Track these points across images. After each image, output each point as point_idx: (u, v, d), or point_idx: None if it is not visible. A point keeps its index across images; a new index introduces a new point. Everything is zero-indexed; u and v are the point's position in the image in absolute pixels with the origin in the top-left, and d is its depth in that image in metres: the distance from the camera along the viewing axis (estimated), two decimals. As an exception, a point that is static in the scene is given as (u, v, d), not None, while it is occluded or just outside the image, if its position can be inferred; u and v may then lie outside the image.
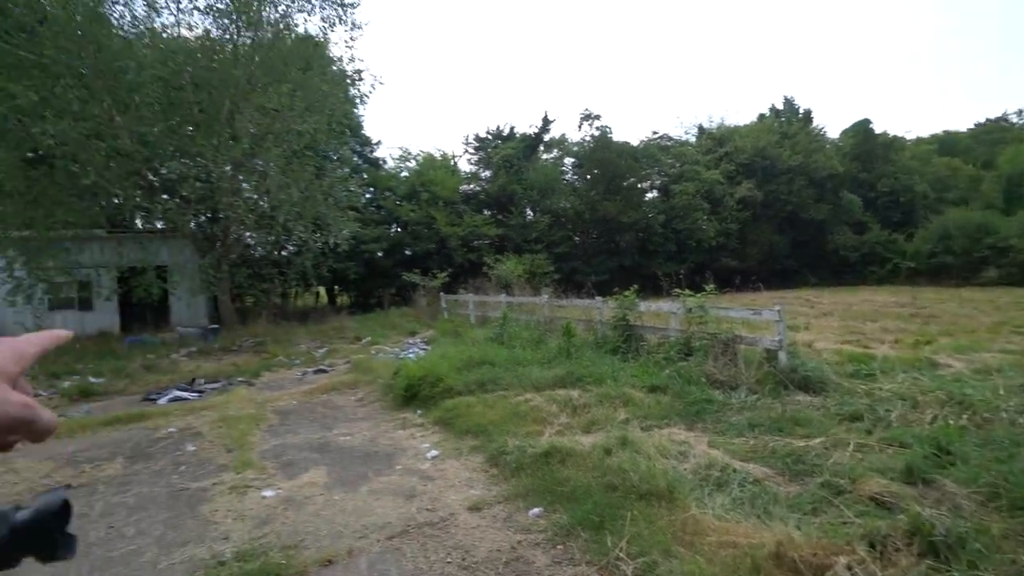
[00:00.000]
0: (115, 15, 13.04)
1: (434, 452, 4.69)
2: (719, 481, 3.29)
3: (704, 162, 31.83)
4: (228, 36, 14.24)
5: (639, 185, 31.20)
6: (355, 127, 25.21)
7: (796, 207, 31.33)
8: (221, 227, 15.44)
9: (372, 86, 18.32)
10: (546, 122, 31.48)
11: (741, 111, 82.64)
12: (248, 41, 14.23)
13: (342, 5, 15.27)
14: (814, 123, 35.83)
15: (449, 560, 2.87)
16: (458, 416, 5.47)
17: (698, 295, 7.17)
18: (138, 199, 14.28)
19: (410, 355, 10.37)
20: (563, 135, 32.80)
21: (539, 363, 7.33)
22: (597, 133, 31.06)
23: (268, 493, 3.95)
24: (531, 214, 29.02)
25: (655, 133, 34.62)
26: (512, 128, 31.52)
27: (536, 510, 3.31)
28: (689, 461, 3.63)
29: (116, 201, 14.38)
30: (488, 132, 31.56)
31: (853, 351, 7.73)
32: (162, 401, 7.79)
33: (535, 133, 31.33)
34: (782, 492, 3.21)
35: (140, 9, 13.49)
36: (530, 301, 12.83)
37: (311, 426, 5.98)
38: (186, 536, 3.36)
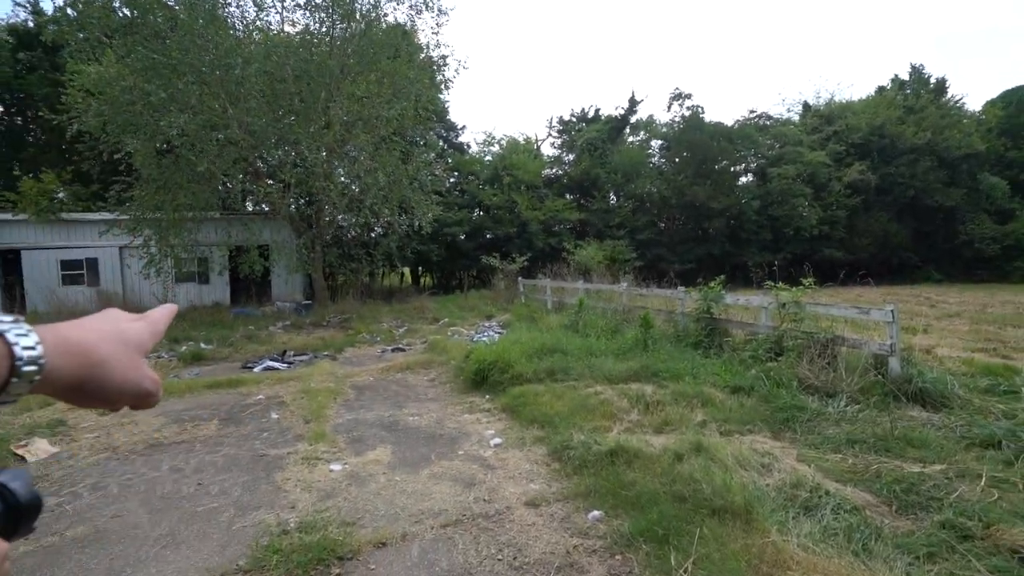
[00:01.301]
0: (229, 16, 14.18)
1: (497, 440, 4.62)
2: (808, 504, 2.89)
3: (808, 142, 29.00)
4: (324, 29, 14.99)
5: (732, 168, 29.13)
6: (440, 112, 25.71)
7: (920, 192, 27.73)
8: (315, 210, 16.45)
9: (456, 71, 18.58)
10: (633, 103, 30.24)
11: (855, 85, 74.48)
12: (342, 33, 14.88)
13: (429, -8, 15.55)
14: (948, 94, 31.29)
15: (500, 557, 2.77)
16: (525, 404, 5.37)
17: (794, 289, 6.48)
18: (245, 184, 15.58)
19: (484, 338, 10.44)
20: (650, 116, 31.39)
21: (613, 354, 7.05)
22: (687, 113, 29.34)
23: (335, 467, 4.09)
24: (614, 199, 28.16)
25: (752, 112, 32.07)
26: (597, 110, 30.63)
27: (596, 513, 3.11)
28: (773, 476, 3.23)
29: (227, 186, 15.77)
30: (572, 115, 30.93)
31: (988, 362, 6.63)
32: (256, 369, 8.44)
33: (621, 115, 30.22)
34: (888, 527, 2.75)
35: (250, 10, 14.59)
36: (608, 289, 12.42)
37: (383, 403, 6.17)
38: (259, 500, 3.55)
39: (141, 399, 0.57)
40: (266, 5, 14.60)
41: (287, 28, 15.44)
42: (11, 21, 22.04)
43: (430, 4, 15.83)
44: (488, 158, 27.99)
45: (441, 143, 26.28)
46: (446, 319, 14.15)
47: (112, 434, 5.19)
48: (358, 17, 14.89)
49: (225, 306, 17.26)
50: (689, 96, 30.22)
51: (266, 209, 16.56)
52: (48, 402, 6.35)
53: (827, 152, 28.12)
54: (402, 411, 5.80)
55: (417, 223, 17.07)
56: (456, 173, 26.58)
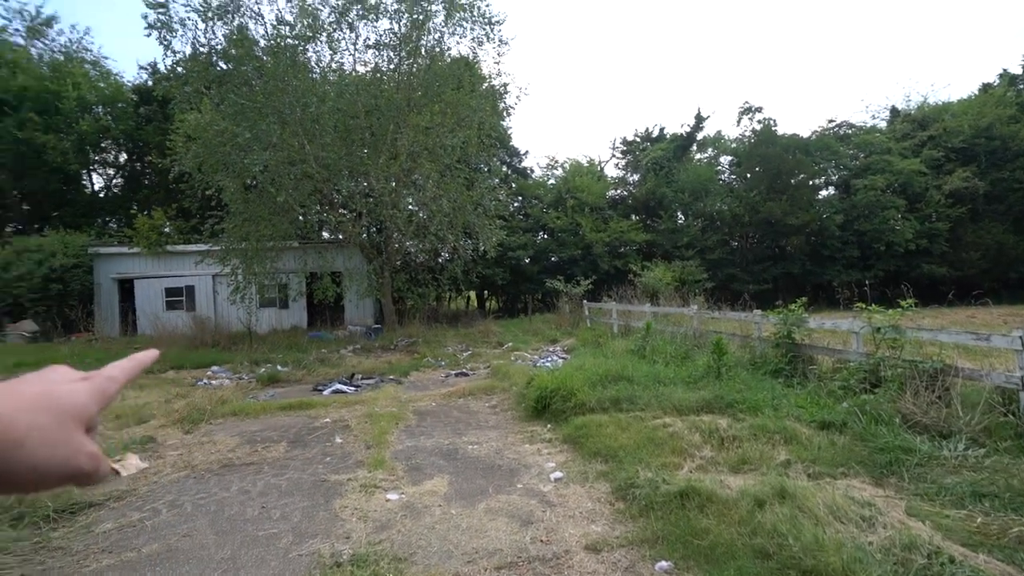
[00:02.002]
0: (307, 60, 15.34)
1: (558, 473, 4.39)
2: (926, 573, 2.42)
3: (898, 150, 26.72)
4: (392, 66, 15.85)
5: (810, 182, 27.35)
6: (503, 139, 26.21)
7: (1041, 199, 24.62)
8: (384, 237, 17.13)
9: (518, 97, 18.90)
10: (699, 120, 29.38)
11: (953, 84, 68.24)
12: (408, 68, 15.65)
13: (489, 23, 16.05)
14: (1069, 90, 27.84)
15: (557, 609, 2.54)
16: (588, 436, 5.10)
17: (891, 311, 5.79)
18: (320, 214, 16.54)
19: (547, 364, 10.23)
20: (718, 132, 30.38)
21: (683, 382, 6.61)
22: (758, 127, 28.08)
23: (392, 496, 4.03)
24: (682, 218, 27.24)
25: (831, 121, 30.14)
26: (662, 129, 30.04)
27: (665, 564, 2.81)
28: (876, 532, 2.77)
29: (304, 216, 16.81)
30: (636, 135, 30.51)
31: None
32: (326, 392, 8.72)
33: (687, 132, 29.44)
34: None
35: (326, 53, 15.73)
36: (677, 312, 11.85)
37: (444, 430, 6.11)
38: (316, 528, 3.54)
39: (75, 479, 0.46)
40: (340, 48, 15.67)
41: (358, 68, 16.48)
42: (136, 83, 25.20)
43: (491, 36, 16.34)
44: (551, 181, 28.11)
45: (504, 168, 26.74)
46: (510, 343, 14.08)
47: (193, 452, 5.48)
48: (423, 53, 15.62)
49: (302, 329, 18.21)
50: (759, 109, 28.95)
51: (339, 237, 17.44)
52: (142, 418, 6.86)
53: (922, 159, 25.74)
54: (462, 439, 5.70)
55: (482, 247, 17.31)
56: (520, 197, 26.85)
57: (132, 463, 5.22)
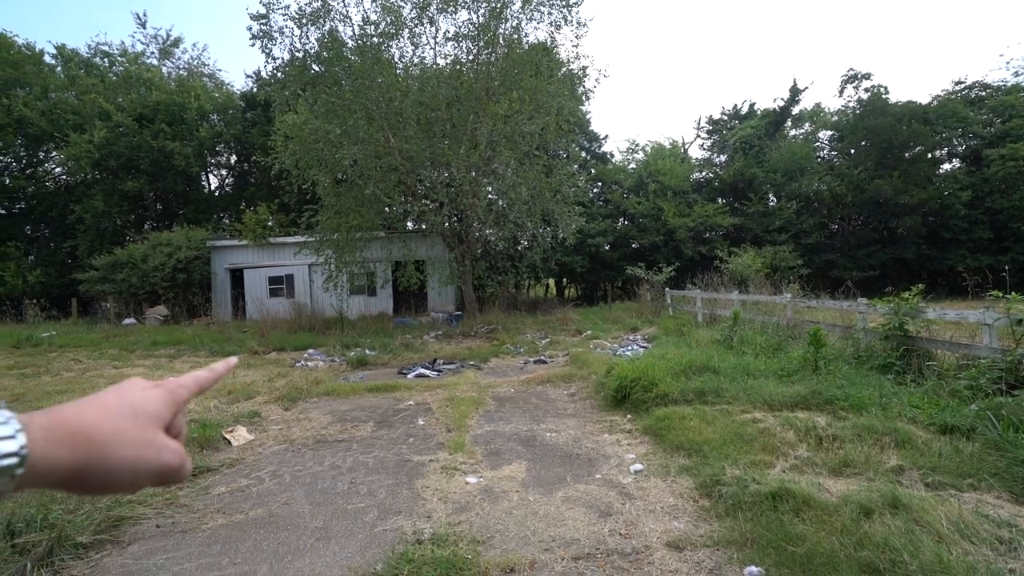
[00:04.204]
0: (391, 57, 15.92)
1: (638, 465, 4.26)
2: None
3: (1050, 113, 22.94)
4: (471, 57, 16.02)
5: (928, 155, 24.26)
6: (582, 124, 25.72)
7: None
8: (465, 226, 17.52)
9: (597, 80, 18.40)
10: (794, 92, 27.03)
11: None
12: (486, 58, 15.75)
13: (567, 5, 15.72)
14: None
15: (636, 606, 2.46)
16: (670, 428, 4.91)
17: (1036, 301, 4.98)
18: (404, 205, 17.24)
19: (627, 352, 9.98)
20: (817, 105, 27.82)
21: (775, 375, 6.16)
22: (866, 96, 25.24)
23: (471, 479, 4.12)
24: (774, 200, 25.31)
25: (959, 84, 26.40)
26: (751, 105, 27.98)
27: (754, 569, 2.62)
28: (1020, 558, 2.39)
29: (390, 207, 17.60)
30: (723, 113, 28.71)
31: None
32: (410, 376, 9.12)
33: (780, 107, 27.21)
34: None
35: (408, 49, 16.24)
36: (768, 300, 11.06)
37: (522, 417, 6.15)
38: (399, 506, 3.71)
39: (164, 476, 0.51)
40: (421, 43, 16.11)
41: (439, 61, 16.85)
42: (243, 90, 27.66)
43: (568, 18, 16.01)
44: (632, 166, 27.25)
45: (583, 154, 26.28)
46: (589, 331, 13.90)
47: (291, 428, 5.95)
48: (501, 42, 15.63)
49: (388, 316, 19.18)
50: (867, 76, 25.96)
51: (422, 227, 18.08)
52: (250, 394, 7.57)
53: (1080, 123, 21.94)
54: (540, 426, 5.71)
55: (561, 235, 17.20)
56: (599, 183, 26.30)
57: (241, 435, 5.76)
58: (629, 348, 10.80)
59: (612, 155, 28.47)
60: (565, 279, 27.68)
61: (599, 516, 3.39)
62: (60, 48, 28.27)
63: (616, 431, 5.36)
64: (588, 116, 27.29)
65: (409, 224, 20.76)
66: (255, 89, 26.06)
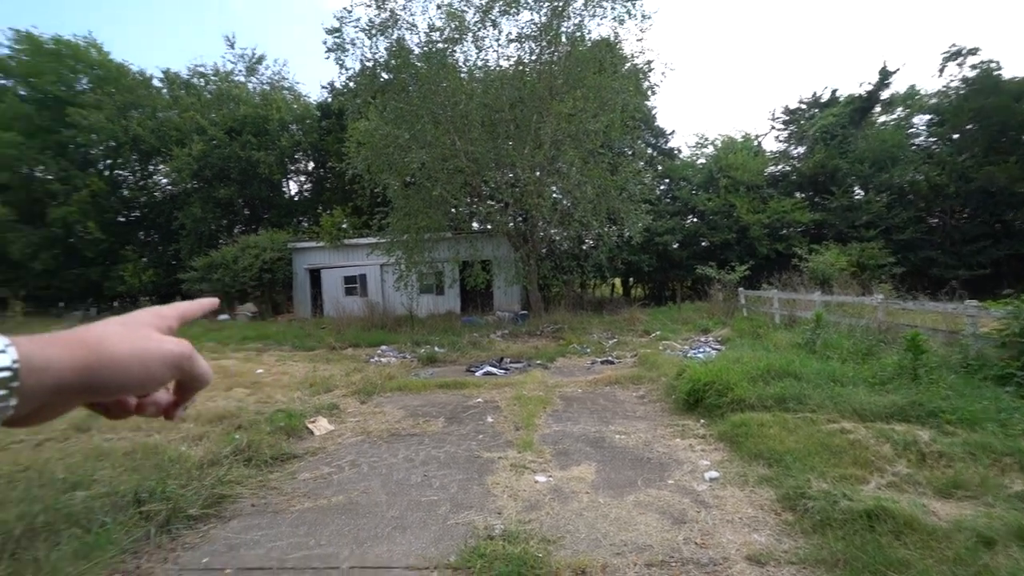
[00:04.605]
0: (455, 62, 16.29)
1: (714, 473, 4.10)
2: None
3: None
4: (534, 57, 16.06)
5: (1055, 137, 21.45)
6: (648, 119, 25.05)
7: None
8: (530, 225, 17.59)
9: (663, 74, 17.87)
10: (884, 75, 24.84)
11: None
12: (549, 57, 15.73)
13: (630, 0, 15.39)
14: None
15: (715, 618, 2.37)
16: (748, 435, 4.68)
17: None
18: (470, 206, 17.58)
19: (699, 355, 9.62)
20: (911, 88, 25.34)
21: (866, 383, 5.70)
22: (973, 73, 22.65)
23: (540, 479, 4.14)
24: (860, 193, 23.38)
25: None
26: (834, 92, 26.02)
27: (847, 590, 2.45)
28: None
29: (456, 209, 18.01)
30: (801, 102, 26.90)
31: None
32: (478, 374, 9.28)
33: (867, 92, 25.12)
34: None
35: (472, 52, 16.53)
36: (856, 301, 10.26)
37: (590, 417, 6.10)
38: (471, 501, 3.79)
39: (178, 363, 0.52)
40: (484, 45, 16.34)
41: (502, 63, 17.04)
42: (318, 101, 29.40)
43: (632, 12, 15.67)
44: (701, 161, 26.18)
45: (649, 151, 25.58)
46: (657, 332, 13.54)
47: (367, 420, 6.25)
48: (564, 40, 15.55)
49: (456, 314, 19.62)
50: (973, 51, 23.26)
51: (488, 227, 18.35)
52: (329, 387, 8.01)
53: None
54: (609, 427, 5.64)
55: (627, 233, 16.87)
56: (666, 180, 25.51)
57: (322, 425, 6.12)
58: (701, 350, 10.40)
59: (679, 151, 27.52)
60: (632, 278, 27.07)
61: (672, 523, 3.30)
62: (166, 72, 31.34)
63: (689, 436, 5.19)
64: (654, 112, 26.52)
65: (475, 225, 21.14)
66: (329, 99, 27.54)
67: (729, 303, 16.32)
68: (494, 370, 9.52)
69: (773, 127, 27.98)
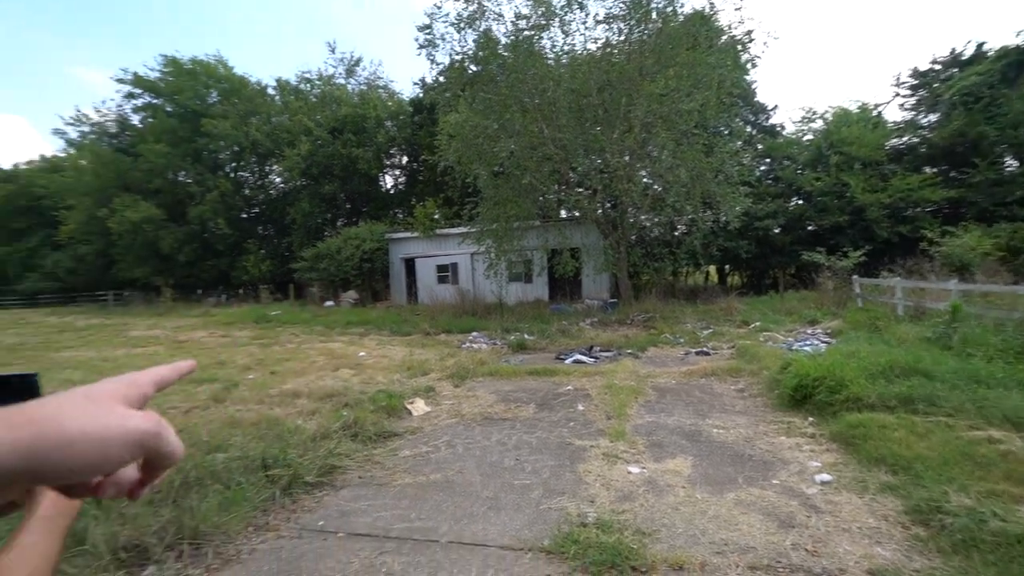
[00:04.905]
0: (542, 49, 16.17)
1: (825, 476, 3.78)
2: None
3: None
4: (623, 38, 15.50)
5: None
6: (747, 95, 23.30)
7: None
8: (619, 212, 17.16)
9: (765, 44, 16.46)
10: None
11: None
12: (639, 36, 15.09)
13: (730, -37, 14.28)
14: None
15: (831, 631, 2.20)
16: (867, 437, 4.26)
17: None
18: (559, 193, 17.49)
19: (805, 348, 8.88)
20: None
21: (1020, 386, 4.94)
22: None
23: (634, 469, 4.06)
24: (1013, 164, 20.05)
25: None
26: (980, 46, 22.41)
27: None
28: None
29: (544, 196, 18.02)
30: (934, 62, 23.50)
31: None
32: (567, 361, 9.28)
33: (1028, 42, 21.27)
34: None
35: (559, 37, 16.30)
36: (1008, 291, 8.88)
37: (685, 409, 5.88)
38: (563, 487, 3.82)
39: (142, 442, 0.44)
40: (571, 30, 16.03)
41: (589, 46, 16.63)
42: (410, 97, 30.69)
43: (733, -23, 14.54)
44: (808, 137, 23.92)
45: (748, 129, 23.80)
46: (757, 322, 12.68)
47: (461, 403, 6.50)
48: (654, 16, 14.83)
49: (544, 302, 19.73)
50: None
51: (576, 215, 18.16)
52: (424, 371, 8.42)
53: None
54: (705, 421, 5.40)
55: (723, 218, 15.92)
56: (767, 160, 23.64)
57: (419, 406, 6.46)
58: (807, 343, 9.59)
59: (782, 127, 25.29)
60: (728, 266, 25.52)
61: (779, 526, 3.10)
62: (279, 81, 34.38)
63: (795, 434, 4.82)
64: (753, 86, 24.58)
65: (563, 213, 21.02)
66: (421, 95, 28.60)
67: (840, 292, 14.85)
68: (584, 358, 9.46)
69: (897, 94, 24.83)
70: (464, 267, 22.77)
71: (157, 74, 32.52)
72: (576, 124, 15.53)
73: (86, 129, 36.35)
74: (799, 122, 25.20)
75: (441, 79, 18.22)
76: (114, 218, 29.58)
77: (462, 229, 20.50)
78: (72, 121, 36.43)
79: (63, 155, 38.59)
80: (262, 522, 3.42)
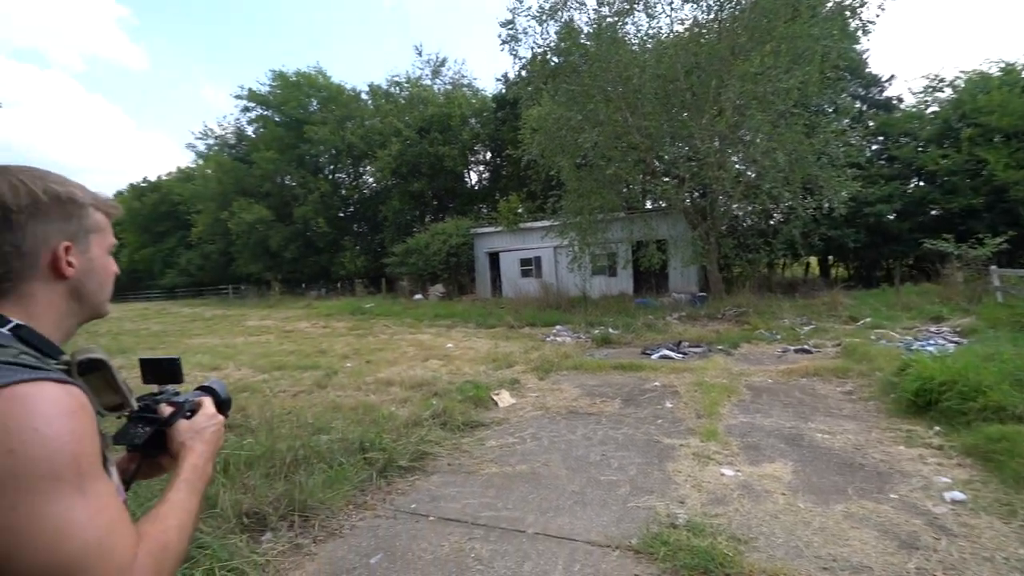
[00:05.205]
0: (626, 35, 15.66)
1: (957, 494, 3.36)
2: None
3: None
4: (711, 16, 14.62)
5: None
6: (856, 67, 21.05)
7: None
8: (709, 201, 16.30)
9: (880, 7, 14.60)
10: None
11: None
12: (730, 13, 14.14)
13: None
14: None
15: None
16: (1011, 452, 3.70)
17: None
18: (644, 184, 16.94)
19: (928, 347, 7.92)
20: None
21: None
22: None
23: (727, 472, 3.86)
24: None
25: None
26: None
27: None
28: None
29: (629, 187, 17.55)
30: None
31: None
32: (654, 357, 9.00)
33: None
34: None
35: (643, 22, 15.70)
36: None
37: (784, 411, 5.48)
38: (651, 485, 3.72)
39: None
40: (656, 12, 15.38)
41: (675, 28, 15.87)
42: (493, 93, 31.18)
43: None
44: (932, 109, 21.09)
45: (857, 104, 21.48)
46: (868, 319, 11.51)
47: (545, 396, 6.53)
48: (747, -12, 13.81)
49: (628, 296, 19.26)
50: None
51: (663, 205, 17.51)
52: (509, 363, 8.56)
53: None
54: (807, 424, 5.01)
55: (827, 204, 14.58)
56: (880, 137, 21.24)
57: (505, 398, 6.58)
58: (931, 342, 8.54)
59: (900, 100, 22.49)
60: (831, 256, 23.32)
61: (899, 546, 2.80)
62: (371, 86, 36.51)
63: (917, 444, 4.33)
64: (865, 56, 22.11)
65: (648, 203, 20.34)
66: (504, 90, 28.92)
67: (973, 285, 13.03)
68: (671, 353, 9.13)
69: (1054, 52, 21.12)
70: (547, 260, 22.80)
71: (267, 88, 35.77)
72: (662, 111, 14.93)
73: (211, 141, 40.91)
74: (921, 93, 22.18)
75: (523, 73, 18.31)
76: (233, 220, 33.01)
77: (545, 223, 20.52)
78: (200, 135, 41.12)
79: (193, 166, 43.77)
80: (360, 501, 3.67)
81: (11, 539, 0.59)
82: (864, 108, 21.98)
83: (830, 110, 17.42)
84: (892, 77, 22.47)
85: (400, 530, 3.25)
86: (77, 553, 0.61)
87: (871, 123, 21.04)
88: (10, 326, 0.74)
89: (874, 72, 22.47)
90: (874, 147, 21.19)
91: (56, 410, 0.65)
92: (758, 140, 14.15)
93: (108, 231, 0.90)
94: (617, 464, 4.19)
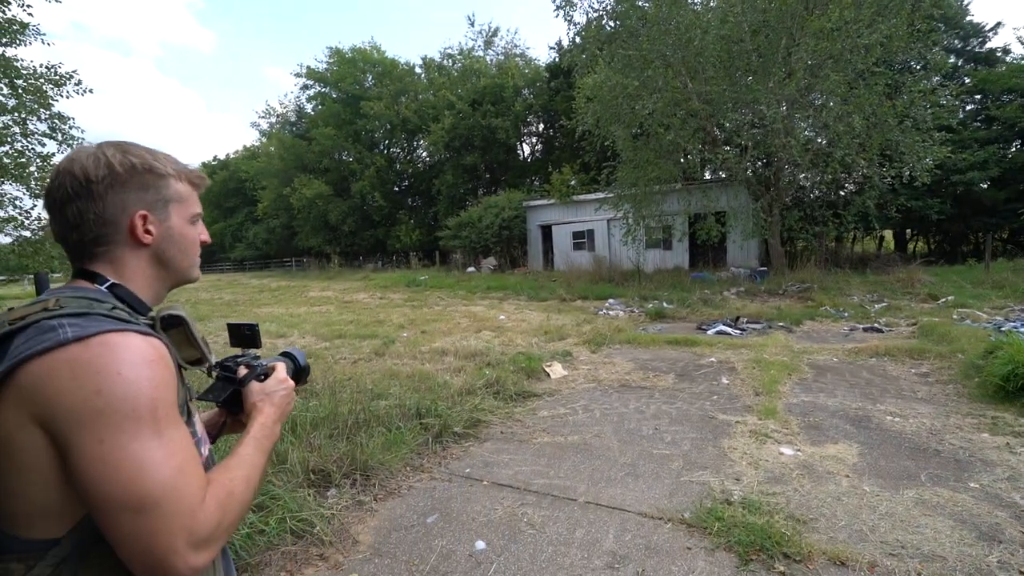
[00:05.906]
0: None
1: (1046, 483, 3.10)
2: None
3: None
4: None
5: None
6: (953, 16, 18.90)
7: None
8: (773, 171, 15.37)
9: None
10: None
11: None
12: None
13: None
14: None
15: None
16: (1112, 442, 3.38)
17: None
18: (703, 153, 16.17)
19: (1020, 328, 7.24)
20: None
21: None
22: None
23: (786, 451, 3.74)
24: None
25: None
26: None
27: None
28: None
29: (687, 157, 16.80)
30: None
31: None
32: (710, 332, 8.75)
33: None
34: None
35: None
36: None
37: (850, 392, 5.21)
38: (705, 461, 3.67)
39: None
40: (724, -34, 14.33)
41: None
42: (546, 63, 30.41)
43: None
44: (1046, 60, 18.70)
45: (952, 59, 19.34)
46: (950, 297, 10.65)
47: (598, 369, 6.52)
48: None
49: (684, 270, 18.71)
50: None
51: (723, 175, 16.69)
52: (561, 336, 8.57)
53: None
54: (876, 406, 4.74)
55: (907, 172, 13.40)
56: (977, 96, 19.13)
57: (557, 370, 6.62)
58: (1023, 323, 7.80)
59: (1006, 51, 20.04)
60: (910, 230, 21.53)
61: (978, 537, 2.63)
62: (424, 59, 36.51)
63: (1004, 432, 4.01)
64: (965, 2, 19.80)
65: (707, 174, 19.44)
66: (557, 59, 28.14)
67: (1084, 261, 11.71)
68: (728, 329, 8.84)
69: None
70: (600, 233, 22.43)
71: (324, 65, 36.56)
72: (725, 75, 14.09)
73: (273, 120, 42.56)
74: (1031, 44, 19.77)
75: (578, 40, 17.71)
76: (295, 195, 34.45)
77: (599, 195, 20.09)
78: (263, 114, 42.96)
79: (258, 144, 45.84)
80: (417, 464, 3.84)
81: (97, 470, 0.66)
82: (960, 63, 19.82)
83: (918, 67, 15.83)
84: (998, 25, 19.90)
85: (455, 493, 3.39)
86: (152, 489, 0.67)
87: (967, 80, 18.96)
88: (107, 284, 0.83)
89: (975, 20, 20.11)
90: (969, 107, 19.17)
91: (138, 358, 0.71)
92: (831, 104, 13.11)
93: (191, 201, 0.94)
94: (670, 438, 4.15)
